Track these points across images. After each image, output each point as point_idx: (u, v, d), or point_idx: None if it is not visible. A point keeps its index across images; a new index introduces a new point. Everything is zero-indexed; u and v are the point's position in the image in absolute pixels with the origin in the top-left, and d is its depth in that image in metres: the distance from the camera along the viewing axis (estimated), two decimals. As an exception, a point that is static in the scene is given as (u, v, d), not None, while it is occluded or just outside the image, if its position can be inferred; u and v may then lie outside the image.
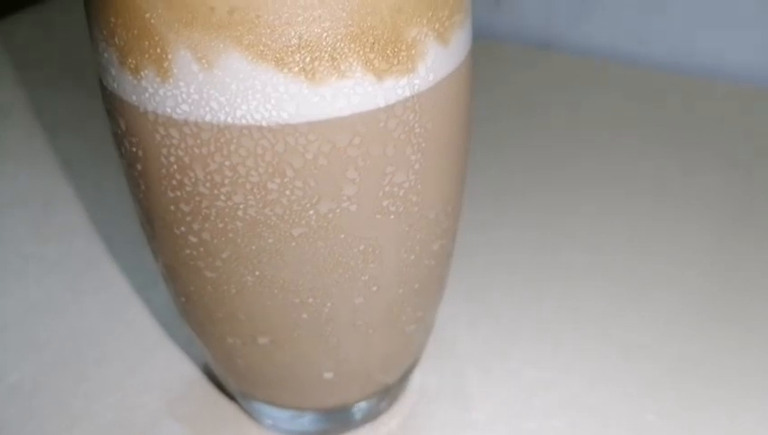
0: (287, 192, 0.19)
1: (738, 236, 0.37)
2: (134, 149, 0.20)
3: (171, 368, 0.31)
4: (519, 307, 0.33)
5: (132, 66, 0.18)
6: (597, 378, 0.30)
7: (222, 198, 0.19)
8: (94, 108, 0.47)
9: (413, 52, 0.18)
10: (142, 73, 0.18)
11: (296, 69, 0.17)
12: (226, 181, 0.19)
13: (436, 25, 0.19)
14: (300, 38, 0.17)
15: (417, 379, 0.30)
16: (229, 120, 0.18)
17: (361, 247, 0.21)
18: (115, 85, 0.19)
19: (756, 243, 0.37)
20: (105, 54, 0.19)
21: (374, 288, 0.22)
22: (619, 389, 0.29)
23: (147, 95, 0.18)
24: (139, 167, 0.20)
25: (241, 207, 0.19)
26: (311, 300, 0.21)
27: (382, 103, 0.18)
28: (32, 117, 0.50)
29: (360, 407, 0.27)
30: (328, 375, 0.24)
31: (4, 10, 0.65)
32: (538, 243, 0.37)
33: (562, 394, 0.29)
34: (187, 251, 0.21)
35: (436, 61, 0.19)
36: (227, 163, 0.18)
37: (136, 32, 0.18)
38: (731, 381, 0.29)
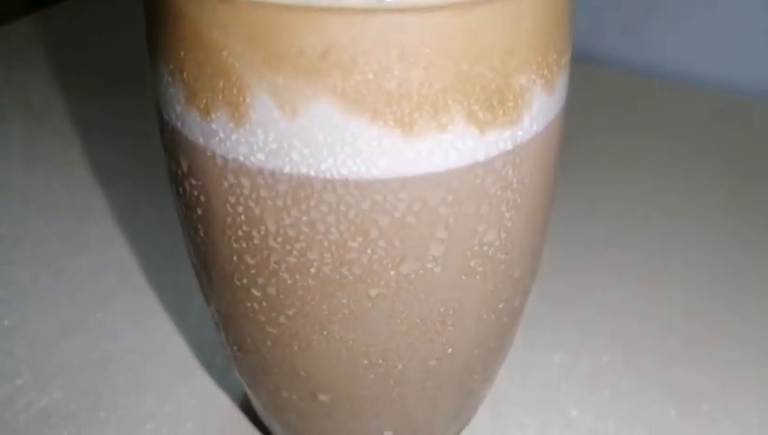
0: (368, 251, 0.17)
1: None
2: (195, 193, 0.18)
3: (206, 398, 0.30)
4: (572, 352, 0.31)
5: (202, 106, 0.16)
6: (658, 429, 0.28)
7: (294, 253, 0.17)
8: (134, 114, 0.46)
9: (519, 101, 0.16)
10: (213, 115, 0.16)
11: (392, 121, 0.15)
12: (301, 237, 0.17)
13: (545, 71, 0.17)
14: (399, 86, 0.15)
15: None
16: (311, 172, 0.16)
17: (442, 309, 0.18)
18: (178, 123, 0.17)
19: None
20: (170, 89, 0.17)
21: (449, 350, 0.20)
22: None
23: (217, 139, 0.16)
24: (199, 211, 0.18)
25: (315, 264, 0.17)
26: (381, 361, 0.19)
27: (482, 158, 0.16)
28: (67, 122, 0.48)
29: (414, 460, 0.25)
30: (388, 434, 0.22)
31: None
32: (584, 279, 0.35)
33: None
34: (248, 304, 0.19)
35: (541, 110, 0.17)
36: (305, 218, 0.16)
37: (209, 69, 0.16)
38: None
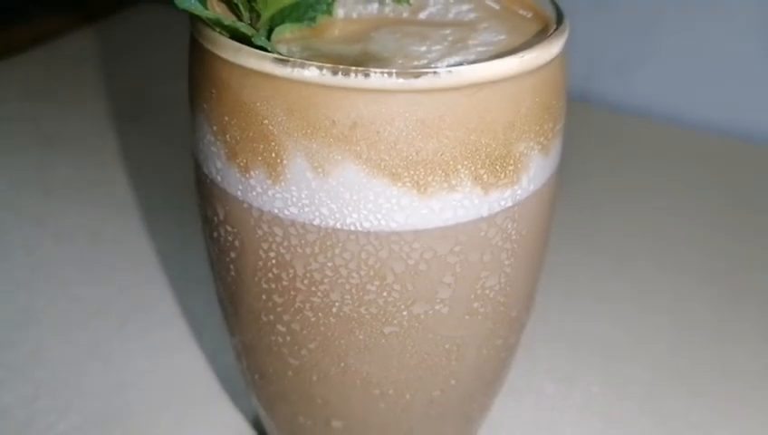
0: (384, 294, 0.19)
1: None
2: (230, 238, 0.20)
3: (221, 422, 0.31)
4: (564, 383, 0.33)
5: (242, 164, 0.19)
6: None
7: (319, 294, 0.19)
8: (148, 143, 0.48)
9: (519, 165, 0.19)
10: (252, 173, 0.18)
11: (409, 183, 0.17)
12: (326, 280, 0.19)
13: (542, 138, 0.19)
14: (417, 154, 0.17)
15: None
16: (338, 225, 0.18)
17: (447, 346, 0.21)
18: (218, 177, 0.20)
19: None
20: (212, 147, 0.19)
21: (452, 382, 0.22)
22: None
23: (254, 193, 0.19)
24: (232, 254, 0.20)
25: (336, 304, 0.19)
26: (390, 391, 0.21)
27: (485, 214, 0.19)
28: (82, 151, 0.49)
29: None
30: (394, 457, 0.24)
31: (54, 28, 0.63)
32: (576, 312, 0.37)
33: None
34: (273, 337, 0.21)
35: (538, 172, 0.19)
36: (329, 264, 0.19)
37: (251, 134, 0.18)
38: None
